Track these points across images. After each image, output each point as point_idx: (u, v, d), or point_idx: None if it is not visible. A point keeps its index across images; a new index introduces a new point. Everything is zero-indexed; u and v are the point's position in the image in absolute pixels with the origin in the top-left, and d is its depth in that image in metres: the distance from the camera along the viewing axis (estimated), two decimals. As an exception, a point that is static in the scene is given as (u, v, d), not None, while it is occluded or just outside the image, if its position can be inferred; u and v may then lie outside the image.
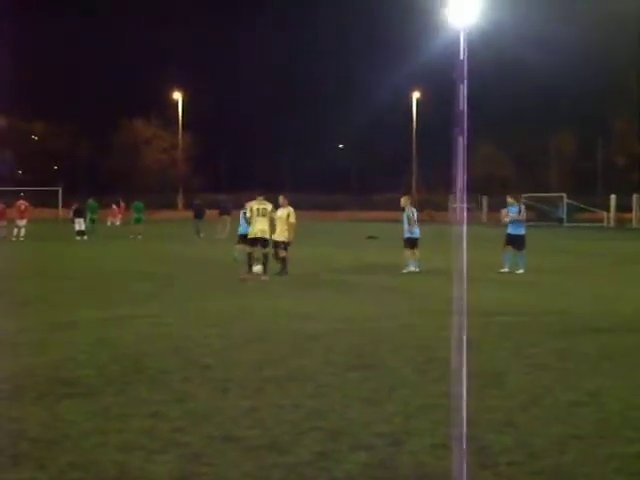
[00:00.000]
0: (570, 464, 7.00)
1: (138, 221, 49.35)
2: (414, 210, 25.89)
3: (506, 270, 24.92)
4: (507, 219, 25.61)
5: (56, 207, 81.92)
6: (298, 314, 15.78)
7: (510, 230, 25.37)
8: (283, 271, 23.61)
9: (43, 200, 79.85)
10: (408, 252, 25.40)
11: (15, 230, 45.49)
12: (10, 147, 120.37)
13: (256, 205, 23.26)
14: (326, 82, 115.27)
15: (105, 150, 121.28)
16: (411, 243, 25.39)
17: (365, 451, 7.25)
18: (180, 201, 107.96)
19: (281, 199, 24.43)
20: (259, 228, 23.05)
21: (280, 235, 23.95)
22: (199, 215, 51.40)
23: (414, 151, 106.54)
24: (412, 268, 24.98)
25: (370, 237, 44.32)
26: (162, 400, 8.93)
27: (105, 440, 7.51)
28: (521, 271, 24.77)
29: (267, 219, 23.14)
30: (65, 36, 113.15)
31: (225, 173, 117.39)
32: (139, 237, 46.36)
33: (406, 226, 25.51)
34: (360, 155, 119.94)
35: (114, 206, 67.64)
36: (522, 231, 25.39)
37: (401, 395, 9.23)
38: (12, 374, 10.11)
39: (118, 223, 64.51)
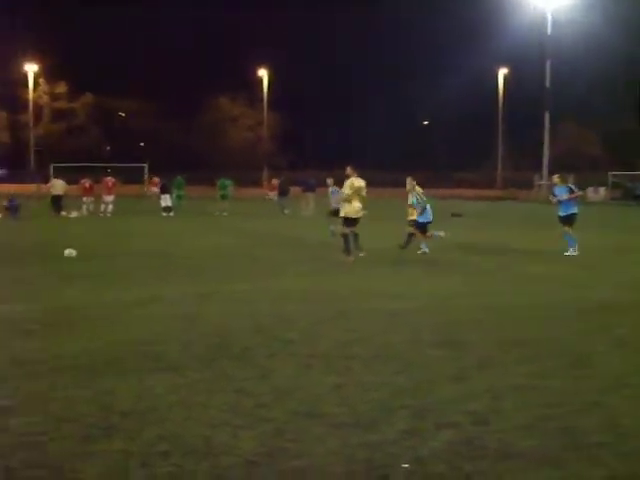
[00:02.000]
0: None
1: (224, 198, 49.61)
2: (420, 193, 24.54)
3: (572, 252, 23.27)
4: (554, 200, 24.46)
5: (142, 183, 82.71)
6: (383, 292, 15.73)
7: (560, 212, 24.04)
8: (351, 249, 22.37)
9: (130, 176, 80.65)
10: (420, 235, 24.17)
11: (102, 206, 46.06)
12: (97, 124, 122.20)
13: (356, 183, 22.31)
14: (411, 59, 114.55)
15: (191, 128, 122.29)
16: (422, 228, 24.21)
17: (451, 429, 7.20)
18: (265, 179, 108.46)
19: (349, 170, 22.48)
20: (357, 207, 22.32)
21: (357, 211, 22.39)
22: (284, 192, 51.53)
23: (500, 129, 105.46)
24: (425, 249, 23.86)
25: (454, 214, 44.01)
26: (247, 376, 8.96)
27: (191, 414, 7.58)
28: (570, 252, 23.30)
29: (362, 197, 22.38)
30: (151, 15, 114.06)
31: (308, 150, 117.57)
32: (224, 214, 46.62)
33: (418, 210, 24.20)
34: (444, 132, 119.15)
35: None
36: (574, 210, 23.90)
37: (487, 374, 9.14)
38: (100, 349, 10.23)
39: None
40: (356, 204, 22.20)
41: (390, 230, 28.37)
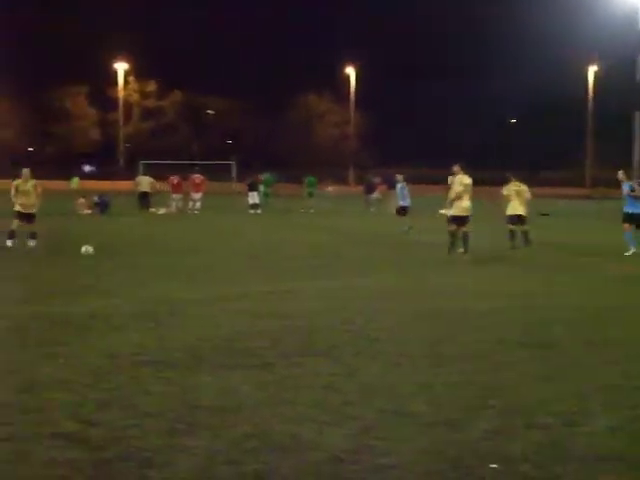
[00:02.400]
0: None
1: (310, 195, 49.78)
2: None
3: (632, 252, 22.60)
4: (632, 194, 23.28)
5: (229, 181, 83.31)
6: (471, 291, 15.66)
7: (627, 208, 23.35)
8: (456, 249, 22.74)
9: (217, 174, 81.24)
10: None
11: (190, 203, 46.49)
12: (186, 122, 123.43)
13: (465, 180, 22.53)
14: (496, 54, 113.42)
15: (278, 125, 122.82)
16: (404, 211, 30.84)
17: (539, 430, 7.13)
18: (351, 176, 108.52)
19: (457, 168, 22.79)
20: (467, 205, 22.45)
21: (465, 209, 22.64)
22: (370, 190, 51.52)
23: (589, 126, 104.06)
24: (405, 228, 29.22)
25: (543, 214, 43.55)
26: (334, 373, 8.98)
27: (278, 411, 7.60)
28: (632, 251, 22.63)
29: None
30: (239, 13, 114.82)
31: (394, 148, 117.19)
32: (311, 211, 46.79)
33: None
34: (532, 129, 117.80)
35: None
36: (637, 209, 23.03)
37: (575, 374, 9.04)
38: (187, 344, 10.31)
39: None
40: (466, 202, 22.34)
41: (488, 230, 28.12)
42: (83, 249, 21.37)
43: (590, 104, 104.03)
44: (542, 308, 13.62)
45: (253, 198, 46.68)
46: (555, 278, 17.92)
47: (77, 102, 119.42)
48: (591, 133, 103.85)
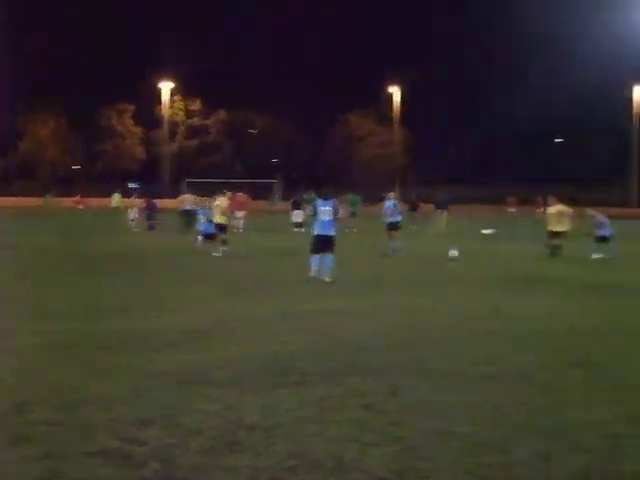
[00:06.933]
0: None
1: (353, 215, 49.69)
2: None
3: None
4: None
5: (272, 199, 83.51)
6: (517, 311, 15.54)
7: None
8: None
9: (261, 193, 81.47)
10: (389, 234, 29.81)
11: (234, 221, 46.54)
12: (230, 140, 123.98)
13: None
14: (537, 73, 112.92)
15: (323, 144, 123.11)
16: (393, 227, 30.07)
17: (585, 453, 7.01)
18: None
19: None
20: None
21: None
22: (413, 208, 51.38)
23: (635, 146, 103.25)
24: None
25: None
26: (376, 391, 8.90)
27: (320, 430, 7.53)
28: None
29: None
30: (288, 29, 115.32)
31: (437, 166, 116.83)
32: (354, 230, 46.69)
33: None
34: (573, 149, 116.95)
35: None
36: None
37: (621, 397, 8.90)
38: (231, 362, 10.30)
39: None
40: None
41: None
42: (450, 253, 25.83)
43: (637, 123, 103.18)
44: (588, 330, 13.48)
45: (297, 217, 46.69)
46: (599, 300, 17.74)
47: (123, 120, 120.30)
48: (637, 152, 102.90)
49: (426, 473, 6.49)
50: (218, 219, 28.86)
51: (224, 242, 28.34)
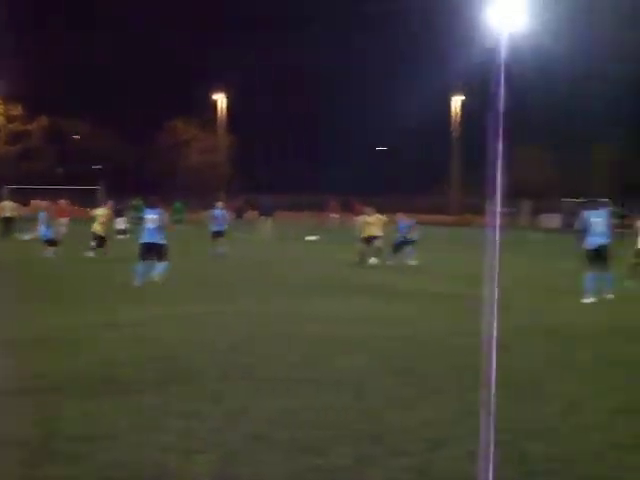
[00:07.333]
0: (607, 473, 6.92)
1: (178, 222, 49.43)
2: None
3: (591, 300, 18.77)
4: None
5: (95, 206, 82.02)
6: (330, 316, 15.74)
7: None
8: None
9: (83, 199, 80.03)
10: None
11: (59, 228, 45.52)
12: (52, 146, 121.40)
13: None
14: (365, 84, 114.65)
15: (146, 150, 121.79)
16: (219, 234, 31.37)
17: (404, 456, 7.18)
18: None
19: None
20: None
21: None
22: (239, 215, 51.59)
23: (454, 154, 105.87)
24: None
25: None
26: (200, 398, 8.94)
27: (144, 439, 7.50)
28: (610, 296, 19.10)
29: None
30: (106, 37, 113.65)
31: (264, 174, 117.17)
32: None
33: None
34: (396, 157, 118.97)
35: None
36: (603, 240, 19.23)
37: (434, 400, 9.18)
38: (54, 372, 10.17)
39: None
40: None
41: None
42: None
43: (454, 133, 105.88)
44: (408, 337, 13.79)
45: (119, 224, 46.24)
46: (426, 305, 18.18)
47: None
48: (456, 161, 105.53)
49: (247, 478, 6.57)
50: (96, 229, 30.58)
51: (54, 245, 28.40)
